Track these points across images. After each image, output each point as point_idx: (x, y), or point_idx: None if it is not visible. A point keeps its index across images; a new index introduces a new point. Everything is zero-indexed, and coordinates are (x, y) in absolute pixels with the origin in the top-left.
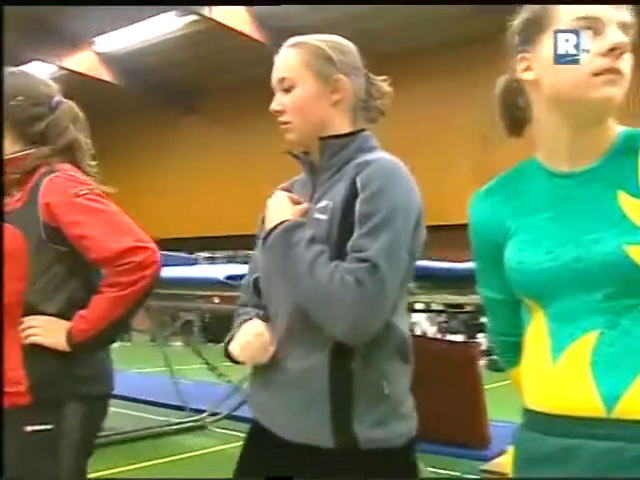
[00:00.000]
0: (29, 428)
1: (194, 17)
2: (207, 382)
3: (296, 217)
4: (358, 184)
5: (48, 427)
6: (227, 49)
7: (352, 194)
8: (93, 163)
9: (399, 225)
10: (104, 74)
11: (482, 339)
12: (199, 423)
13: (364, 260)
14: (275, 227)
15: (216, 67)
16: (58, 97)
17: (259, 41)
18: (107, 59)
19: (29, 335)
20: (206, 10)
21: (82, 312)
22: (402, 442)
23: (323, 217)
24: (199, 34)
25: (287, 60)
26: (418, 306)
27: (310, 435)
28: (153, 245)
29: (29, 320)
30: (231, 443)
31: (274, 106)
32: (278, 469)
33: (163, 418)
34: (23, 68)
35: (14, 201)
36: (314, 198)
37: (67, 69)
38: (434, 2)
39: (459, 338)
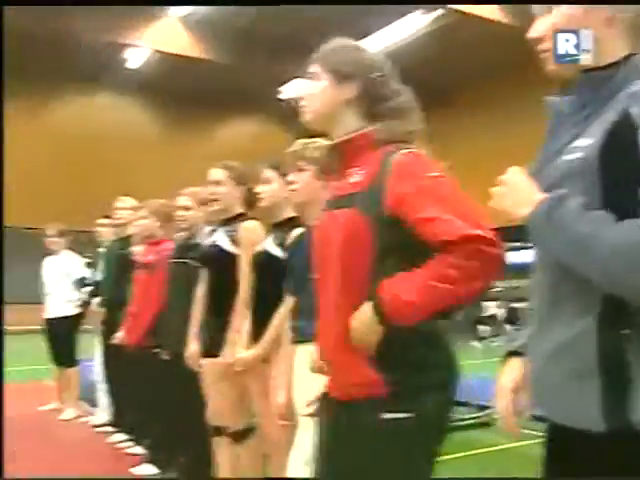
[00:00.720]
0: (387, 416)
1: (440, 12)
2: (493, 377)
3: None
4: (636, 116)
5: (407, 415)
6: (476, 38)
7: (624, 128)
8: (426, 144)
9: None
10: None
11: None
12: (484, 419)
13: None
14: (534, 211)
15: (468, 56)
16: (397, 77)
17: (508, 25)
18: None
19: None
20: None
21: (406, 295)
22: None
23: (576, 156)
24: (446, 27)
25: None
26: None
27: (577, 416)
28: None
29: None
30: (520, 441)
31: (531, 33)
32: (559, 456)
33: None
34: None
35: (354, 183)
36: (564, 141)
37: None
38: (436, 2)
39: None
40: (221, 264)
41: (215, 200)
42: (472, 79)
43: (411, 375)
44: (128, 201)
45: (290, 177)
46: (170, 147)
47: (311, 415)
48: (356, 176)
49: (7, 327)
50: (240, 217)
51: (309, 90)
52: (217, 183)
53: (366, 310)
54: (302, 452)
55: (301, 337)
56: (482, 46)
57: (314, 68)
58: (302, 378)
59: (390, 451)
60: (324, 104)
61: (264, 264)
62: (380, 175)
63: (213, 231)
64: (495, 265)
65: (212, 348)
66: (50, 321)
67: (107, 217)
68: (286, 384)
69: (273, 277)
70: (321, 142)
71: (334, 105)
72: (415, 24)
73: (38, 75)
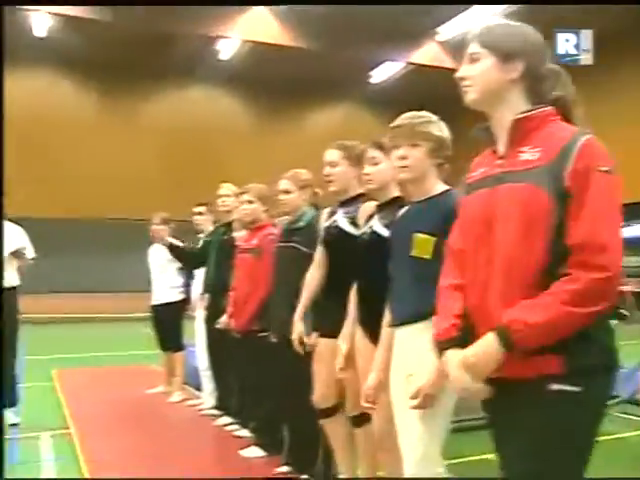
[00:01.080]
0: (556, 387)
1: None
2: None
3: None
4: None
5: (577, 389)
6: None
7: None
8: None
9: None
10: (447, 62)
11: None
12: None
13: None
14: None
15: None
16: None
17: None
18: (449, 47)
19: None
20: None
21: (526, 315)
22: None
23: None
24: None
25: None
26: None
27: None
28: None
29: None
30: (633, 430)
31: None
32: None
33: None
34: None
35: (529, 160)
36: None
37: (414, 64)
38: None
39: None
40: (341, 245)
41: (331, 181)
42: None
43: (584, 355)
44: (230, 188)
45: (400, 152)
46: (262, 136)
47: (417, 407)
48: (530, 153)
49: (119, 314)
50: (360, 198)
51: (473, 70)
52: (332, 164)
53: (490, 340)
54: (412, 450)
55: (397, 320)
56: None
57: (475, 48)
58: (402, 364)
59: (559, 423)
60: (489, 84)
61: (372, 245)
62: (564, 154)
63: (333, 213)
64: (615, 292)
65: (330, 330)
66: (156, 307)
67: (202, 205)
68: (380, 367)
69: (381, 258)
70: (429, 116)
71: (499, 85)
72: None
73: (136, 73)
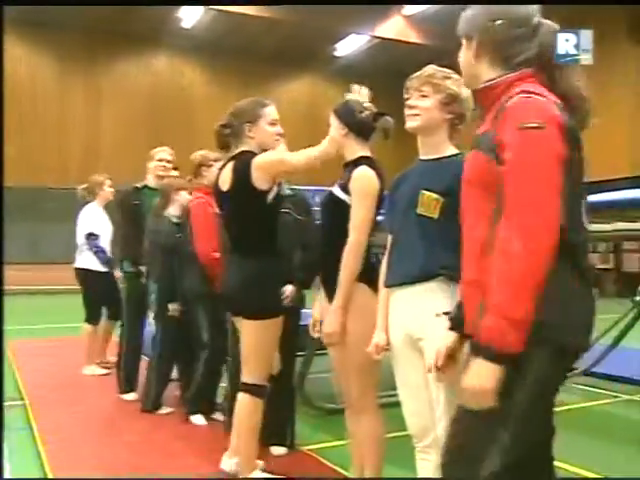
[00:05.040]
0: None
1: None
2: None
3: None
4: None
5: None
6: None
7: None
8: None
9: None
10: (412, 37)
11: None
12: None
13: None
14: None
15: None
16: (538, 18)
17: None
18: (415, 21)
19: None
20: None
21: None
22: None
23: None
24: None
25: None
26: None
27: None
28: None
29: None
30: (593, 400)
31: None
32: None
33: None
34: None
35: (482, 127)
36: None
37: (379, 37)
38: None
39: None
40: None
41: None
42: None
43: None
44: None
45: (410, 101)
46: (225, 106)
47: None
48: (487, 122)
49: (76, 286)
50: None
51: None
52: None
53: (478, 365)
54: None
55: (400, 279)
56: None
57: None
58: (404, 325)
59: None
60: (462, 65)
61: (329, 206)
62: (496, 118)
63: None
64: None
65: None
66: (76, 272)
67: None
68: (383, 327)
69: (339, 220)
70: (449, 72)
71: (467, 63)
72: None
73: (96, 39)
